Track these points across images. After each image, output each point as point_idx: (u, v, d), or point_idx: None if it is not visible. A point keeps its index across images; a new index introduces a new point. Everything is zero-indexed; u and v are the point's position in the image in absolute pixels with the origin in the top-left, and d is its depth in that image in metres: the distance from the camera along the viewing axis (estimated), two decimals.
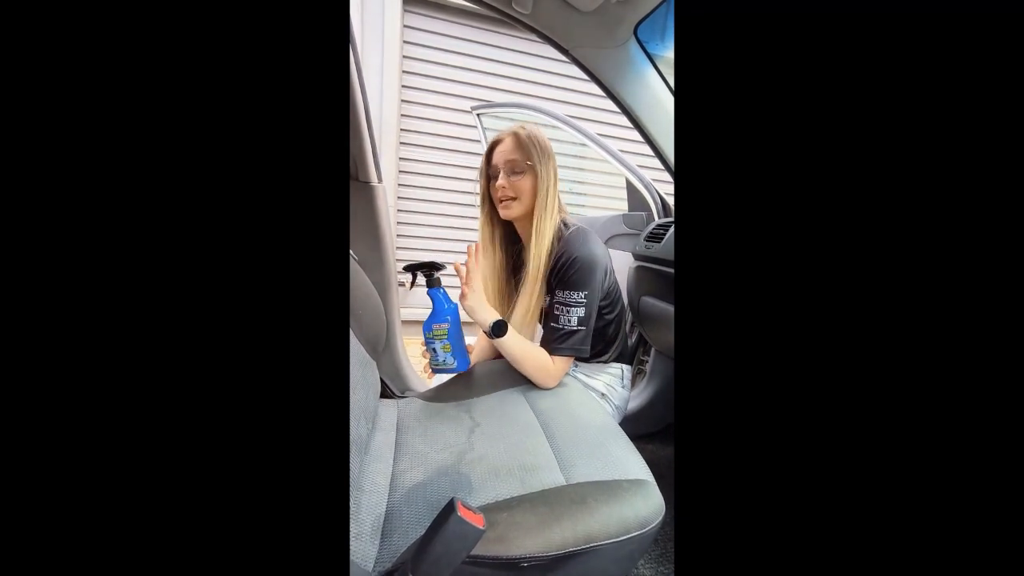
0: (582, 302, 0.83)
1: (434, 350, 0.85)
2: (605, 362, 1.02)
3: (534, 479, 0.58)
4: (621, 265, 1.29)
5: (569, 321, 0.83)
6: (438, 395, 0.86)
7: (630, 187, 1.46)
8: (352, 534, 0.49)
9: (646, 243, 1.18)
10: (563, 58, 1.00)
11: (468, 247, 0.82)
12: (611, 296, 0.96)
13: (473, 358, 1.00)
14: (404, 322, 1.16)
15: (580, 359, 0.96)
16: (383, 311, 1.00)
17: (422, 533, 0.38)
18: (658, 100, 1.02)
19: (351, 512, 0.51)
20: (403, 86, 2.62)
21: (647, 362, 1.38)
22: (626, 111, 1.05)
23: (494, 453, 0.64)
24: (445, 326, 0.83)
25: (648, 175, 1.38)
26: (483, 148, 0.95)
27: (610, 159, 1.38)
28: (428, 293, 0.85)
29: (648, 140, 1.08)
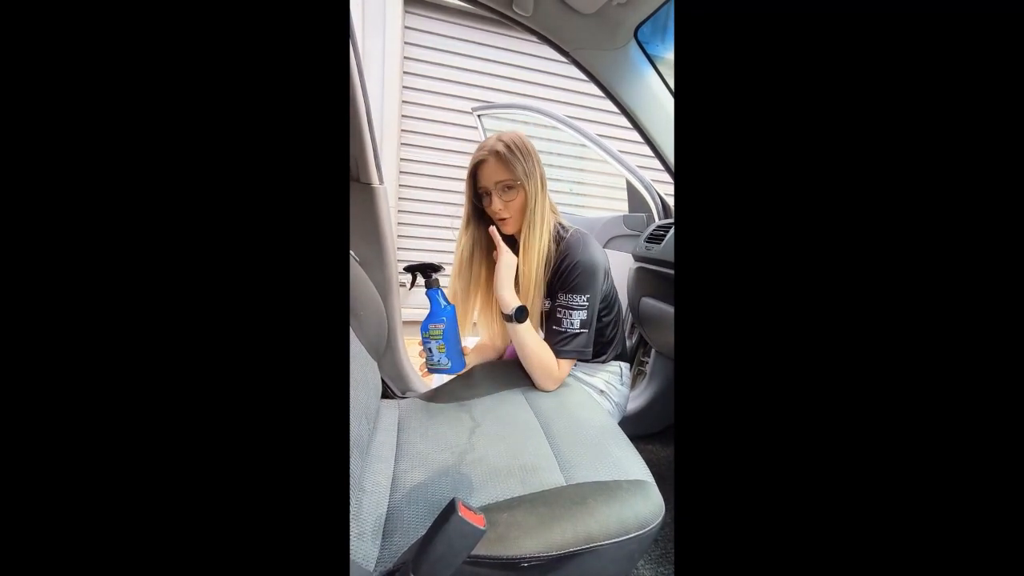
0: (584, 305, 0.84)
1: (430, 350, 0.85)
2: (603, 362, 1.02)
3: (534, 479, 0.58)
4: (621, 266, 1.29)
5: (572, 324, 0.84)
6: (439, 396, 0.86)
7: (630, 188, 1.46)
8: (353, 534, 0.49)
9: (646, 244, 1.18)
10: (564, 59, 1.01)
11: (491, 229, 0.84)
12: (609, 298, 0.96)
13: (474, 359, 1.00)
14: (405, 322, 1.17)
15: (580, 360, 0.96)
16: (384, 312, 1.00)
17: (423, 533, 0.38)
18: (658, 101, 1.03)
19: (352, 512, 0.51)
20: (404, 87, 2.62)
21: (647, 363, 1.38)
22: (626, 112, 1.05)
23: (494, 453, 0.64)
24: (441, 326, 0.83)
25: (648, 176, 1.39)
26: None
27: (610, 160, 1.38)
28: (426, 294, 0.86)
29: (648, 141, 1.08)
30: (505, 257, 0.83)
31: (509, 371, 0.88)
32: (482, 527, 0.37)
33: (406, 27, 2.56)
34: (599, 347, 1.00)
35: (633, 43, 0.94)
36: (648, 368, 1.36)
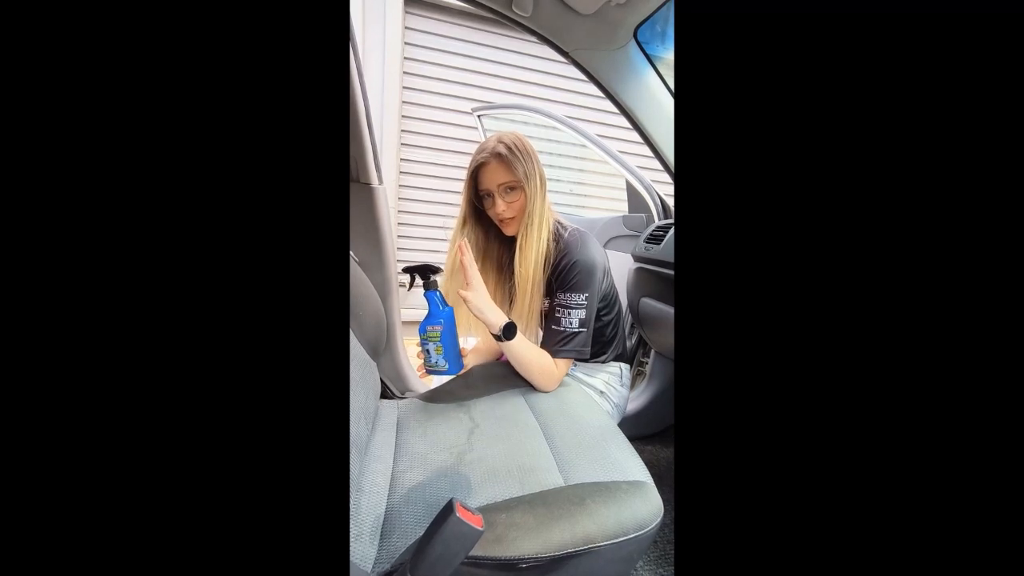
0: (583, 304, 0.84)
1: (428, 351, 0.85)
2: (603, 362, 1.02)
3: (533, 480, 0.58)
4: (621, 267, 1.29)
5: (571, 323, 0.84)
6: (438, 396, 0.86)
7: (630, 189, 1.46)
8: (352, 535, 0.49)
9: (646, 245, 1.18)
10: (563, 59, 1.01)
11: (459, 244, 0.80)
12: (608, 298, 0.96)
13: (473, 359, 1.00)
14: (405, 323, 1.16)
15: (579, 359, 0.96)
16: (383, 312, 1.00)
17: (421, 534, 0.38)
18: (658, 102, 1.03)
19: (351, 513, 0.51)
20: (404, 87, 2.62)
21: (647, 363, 1.39)
22: (626, 113, 1.05)
23: (493, 454, 0.64)
24: (439, 328, 0.83)
25: (648, 177, 1.39)
26: None
27: (610, 160, 1.39)
28: (425, 295, 0.86)
29: (648, 142, 1.08)
30: (474, 284, 0.79)
31: (508, 372, 0.88)
32: (480, 528, 0.37)
33: (406, 27, 2.56)
34: (599, 347, 1.00)
35: (633, 43, 0.94)
36: (648, 369, 1.36)
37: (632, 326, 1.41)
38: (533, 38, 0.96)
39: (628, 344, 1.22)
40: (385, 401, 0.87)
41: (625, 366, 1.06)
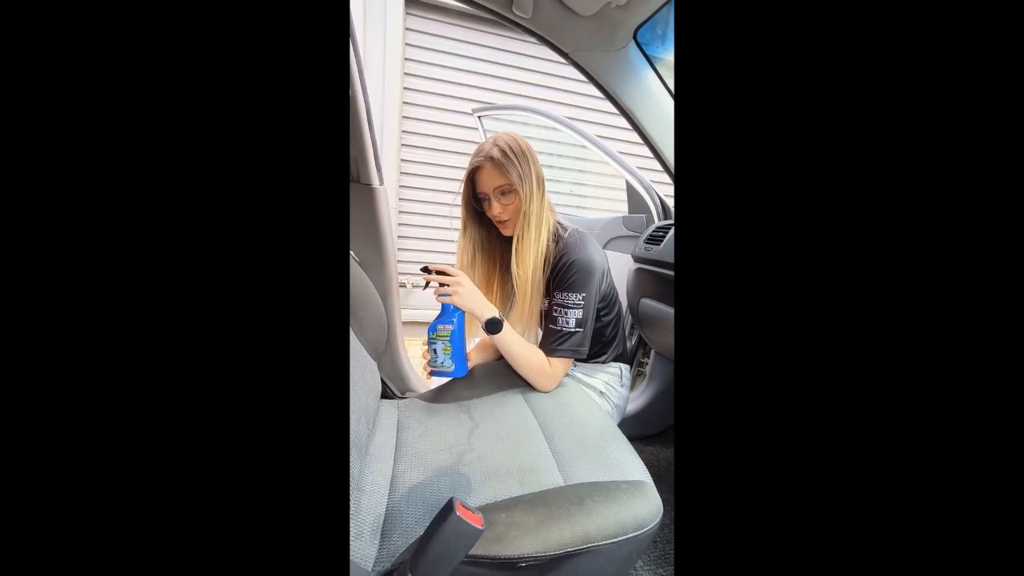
0: (580, 304, 0.84)
1: (435, 351, 0.85)
2: (603, 363, 1.02)
3: (532, 480, 0.58)
4: (621, 267, 1.29)
5: (567, 323, 0.84)
6: (438, 396, 0.86)
7: (630, 189, 1.46)
8: (352, 534, 0.49)
9: (646, 245, 1.18)
10: (563, 60, 1.01)
11: (448, 269, 0.82)
12: (608, 298, 0.97)
13: (474, 359, 1.00)
14: (405, 323, 1.17)
15: (578, 359, 0.97)
16: (384, 312, 1.01)
17: (421, 533, 0.38)
18: (658, 103, 1.03)
19: (351, 512, 0.51)
20: (405, 88, 2.62)
21: (647, 364, 1.39)
22: (626, 114, 1.05)
23: (493, 454, 0.64)
24: (450, 328, 0.83)
25: (648, 177, 1.39)
26: None
27: (610, 161, 1.39)
28: (440, 295, 0.85)
29: (648, 142, 1.08)
30: (460, 279, 0.81)
31: (508, 371, 0.88)
32: (480, 527, 0.37)
33: (407, 28, 2.57)
34: (599, 347, 1.00)
35: (632, 45, 0.95)
36: (648, 369, 1.36)
37: (632, 327, 1.41)
38: (533, 39, 0.96)
39: (628, 344, 1.22)
40: (385, 401, 0.87)
41: (625, 367, 1.06)
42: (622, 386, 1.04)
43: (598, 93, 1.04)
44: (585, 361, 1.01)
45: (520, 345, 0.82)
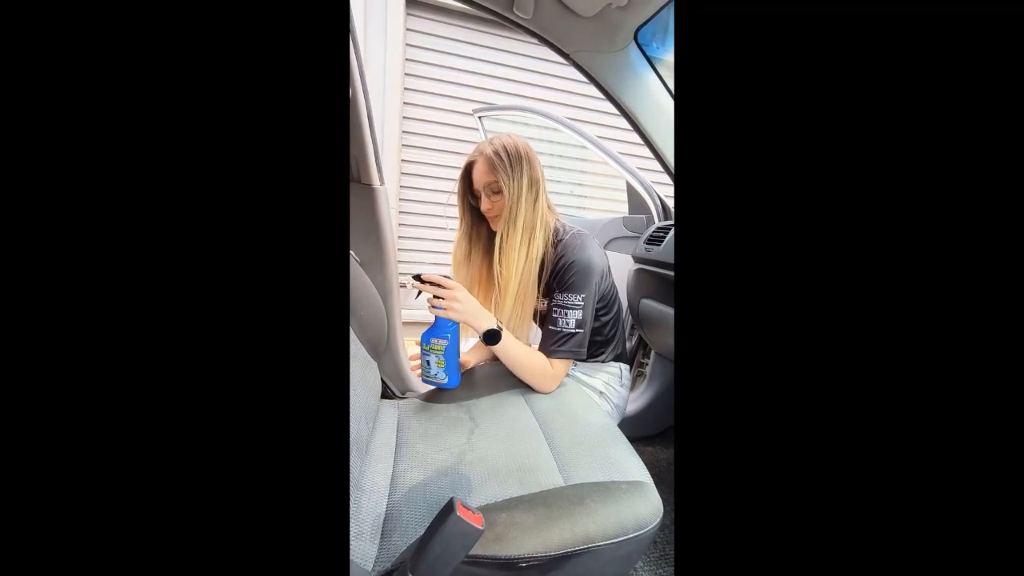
0: (580, 304, 0.84)
1: (427, 363, 0.83)
2: (602, 362, 1.02)
3: (533, 480, 0.58)
4: (621, 268, 1.29)
5: (567, 324, 0.84)
6: (438, 396, 0.86)
7: (630, 190, 1.46)
8: (352, 534, 0.49)
9: (646, 246, 1.18)
10: (564, 61, 1.01)
11: (444, 281, 0.79)
12: (608, 298, 0.97)
13: (473, 357, 1.00)
14: (405, 323, 1.17)
15: (577, 360, 0.97)
16: (384, 312, 1.01)
17: (422, 533, 0.38)
18: (658, 104, 1.03)
19: (351, 512, 0.51)
20: (405, 88, 2.63)
21: (647, 364, 1.39)
22: (626, 114, 1.05)
23: (493, 454, 0.64)
24: (443, 342, 0.81)
25: (648, 178, 1.39)
26: None
27: (610, 162, 1.39)
28: (434, 308, 0.84)
29: (648, 143, 1.08)
30: (457, 293, 0.80)
31: (508, 372, 0.88)
32: (480, 527, 0.37)
33: (407, 29, 2.57)
34: (598, 345, 1.00)
35: (633, 45, 0.95)
36: (648, 370, 1.36)
37: (632, 327, 1.41)
38: (534, 40, 0.97)
39: (628, 345, 1.22)
40: (386, 401, 0.87)
41: (625, 367, 1.06)
42: (622, 386, 1.04)
43: (598, 94, 1.04)
44: (585, 361, 1.02)
45: (520, 351, 0.82)
